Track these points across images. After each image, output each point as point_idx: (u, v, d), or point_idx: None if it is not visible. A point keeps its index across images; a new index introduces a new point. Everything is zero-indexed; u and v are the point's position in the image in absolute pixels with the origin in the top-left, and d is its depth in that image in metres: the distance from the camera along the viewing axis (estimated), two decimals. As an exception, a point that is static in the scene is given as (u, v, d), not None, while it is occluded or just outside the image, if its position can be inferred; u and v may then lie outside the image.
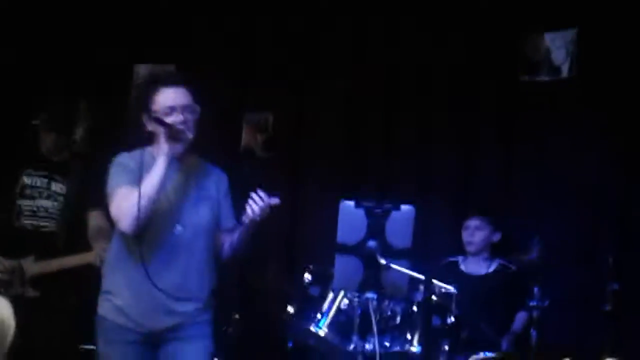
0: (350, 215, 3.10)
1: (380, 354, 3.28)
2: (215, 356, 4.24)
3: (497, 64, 4.78)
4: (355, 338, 3.39)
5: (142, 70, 5.31)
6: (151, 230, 3.10)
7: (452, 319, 3.48)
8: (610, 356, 3.29)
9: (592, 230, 4.48)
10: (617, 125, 4.45)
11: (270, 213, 3.13)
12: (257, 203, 3.10)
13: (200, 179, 3.25)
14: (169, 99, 3.12)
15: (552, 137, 4.60)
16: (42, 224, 4.21)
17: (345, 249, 3.11)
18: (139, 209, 2.99)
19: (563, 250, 4.28)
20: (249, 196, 3.12)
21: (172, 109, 3.10)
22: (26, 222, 4.20)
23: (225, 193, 3.30)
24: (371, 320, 3.22)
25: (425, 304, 3.27)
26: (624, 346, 3.76)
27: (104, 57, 5.32)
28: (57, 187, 4.23)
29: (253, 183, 3.21)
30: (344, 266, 3.14)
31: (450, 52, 4.86)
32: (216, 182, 3.29)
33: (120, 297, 3.16)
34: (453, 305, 3.42)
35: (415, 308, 3.47)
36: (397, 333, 3.48)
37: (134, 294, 3.14)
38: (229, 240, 3.26)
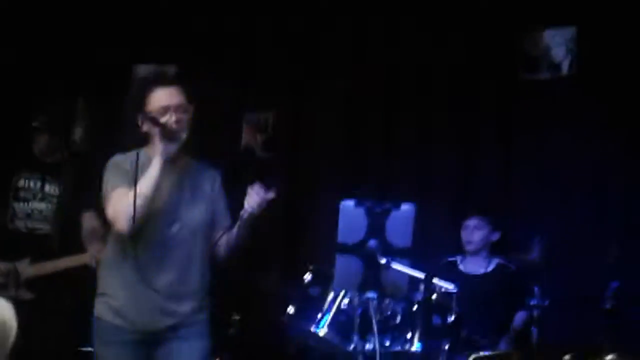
0: (350, 215, 3.10)
1: (380, 354, 3.28)
2: (217, 357, 4.27)
3: (497, 63, 4.78)
4: (355, 338, 3.39)
5: (141, 70, 5.31)
6: (147, 230, 3.12)
7: (453, 318, 3.47)
8: (611, 354, 3.28)
9: (592, 229, 4.48)
10: (617, 122, 4.45)
11: (267, 207, 3.14)
12: (254, 196, 3.11)
13: (195, 178, 3.27)
14: (163, 99, 3.14)
15: (552, 136, 4.60)
16: (36, 226, 4.21)
17: (346, 249, 3.11)
18: (135, 209, 3.00)
19: (563, 249, 4.28)
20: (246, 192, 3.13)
21: (165, 109, 3.12)
22: (20, 224, 4.20)
23: (220, 192, 3.32)
24: (371, 320, 3.22)
25: (426, 303, 3.27)
26: (624, 344, 3.76)
27: (103, 57, 5.32)
28: (50, 189, 4.24)
29: (252, 182, 3.22)
30: (344, 266, 3.14)
31: (450, 52, 4.86)
32: (210, 182, 3.30)
33: (117, 299, 3.18)
34: (454, 304, 3.41)
35: (415, 307, 3.47)
36: (397, 332, 3.47)
37: (130, 295, 3.16)
38: (225, 239, 3.27)
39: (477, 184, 4.84)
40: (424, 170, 4.90)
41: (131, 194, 3.02)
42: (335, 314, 3.49)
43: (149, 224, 3.11)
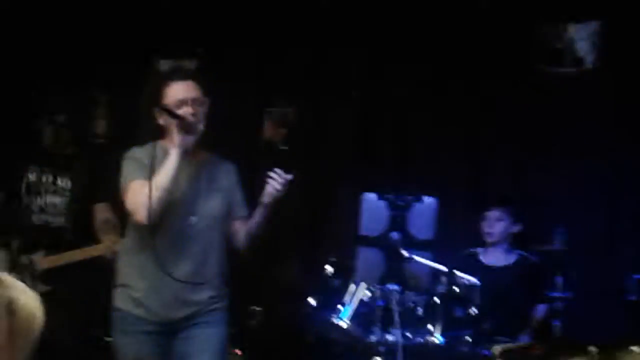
0: (373, 208, 3.13)
1: (402, 346, 3.30)
2: (238, 348, 4.29)
3: (519, 56, 4.75)
4: (377, 330, 3.41)
5: (162, 65, 5.33)
6: (165, 221, 3.15)
7: (475, 310, 3.48)
8: (635, 345, 3.27)
9: (614, 221, 4.46)
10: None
11: (286, 190, 3.16)
12: (275, 178, 3.15)
13: (212, 171, 3.31)
14: (179, 92, 3.18)
15: (575, 128, 4.58)
16: (50, 219, 4.24)
17: (368, 241, 3.14)
18: (154, 200, 3.04)
19: (586, 241, 4.27)
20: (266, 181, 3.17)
21: (182, 102, 3.16)
22: (35, 218, 4.23)
23: (235, 182, 3.36)
24: (393, 312, 3.23)
25: (448, 295, 3.28)
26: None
27: (126, 52, 5.34)
28: (63, 182, 4.26)
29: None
30: (366, 258, 3.16)
31: (470, 43, 4.84)
32: (226, 173, 3.35)
33: (138, 289, 3.22)
34: (476, 297, 3.42)
35: (437, 299, 3.47)
36: (419, 324, 3.49)
37: (151, 285, 3.20)
38: (245, 228, 3.30)
39: (498, 176, 4.82)
40: (444, 162, 4.88)
41: (149, 185, 3.06)
42: (357, 306, 3.51)
43: (167, 216, 3.15)
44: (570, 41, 4.66)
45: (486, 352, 3.65)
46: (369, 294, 3.51)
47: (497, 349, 3.66)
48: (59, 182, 4.26)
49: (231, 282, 3.36)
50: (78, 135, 4.44)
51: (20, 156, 4.37)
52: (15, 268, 4.06)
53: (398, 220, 3.13)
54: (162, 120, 3.21)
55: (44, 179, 4.26)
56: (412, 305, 3.49)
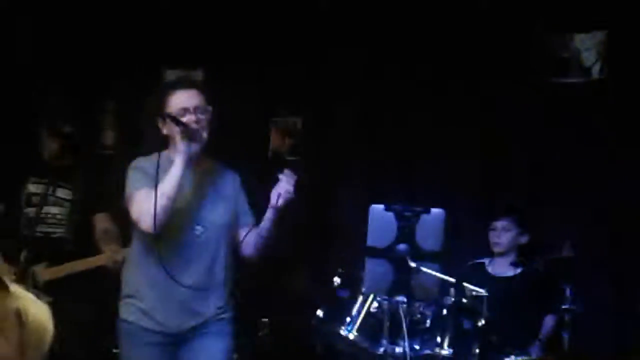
0: (380, 219, 3.11)
1: (410, 357, 3.28)
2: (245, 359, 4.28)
3: (526, 65, 4.75)
4: (385, 341, 3.40)
5: (169, 75, 5.34)
6: (171, 231, 3.16)
7: (483, 322, 3.46)
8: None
9: (623, 231, 4.45)
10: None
11: (296, 194, 3.16)
12: (285, 179, 3.17)
13: (216, 180, 3.32)
14: (182, 100, 3.19)
15: (582, 139, 4.58)
16: (51, 230, 4.24)
17: (376, 253, 3.12)
18: (159, 208, 3.04)
19: (593, 251, 4.25)
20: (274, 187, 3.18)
21: (185, 110, 3.17)
22: (36, 229, 4.24)
23: (240, 191, 3.38)
24: (401, 324, 3.22)
25: (456, 306, 3.27)
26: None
27: (131, 62, 5.35)
28: (62, 192, 4.27)
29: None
30: (374, 269, 3.15)
31: (479, 53, 4.84)
32: (231, 182, 3.36)
33: (145, 300, 3.22)
34: (484, 309, 3.40)
35: (445, 311, 3.46)
36: (427, 336, 3.47)
37: (158, 295, 3.20)
38: (253, 237, 3.30)
39: (505, 187, 4.81)
40: (452, 173, 4.88)
41: (154, 194, 3.06)
42: (364, 317, 3.50)
43: (173, 225, 3.15)
44: (577, 51, 4.66)
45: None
46: (376, 305, 3.50)
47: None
48: (58, 192, 4.26)
49: (239, 293, 3.36)
50: (83, 146, 4.44)
51: (21, 167, 4.38)
52: (23, 279, 4.07)
53: (406, 232, 3.11)
54: (166, 129, 3.22)
55: (43, 189, 4.26)
56: (419, 316, 3.47)
